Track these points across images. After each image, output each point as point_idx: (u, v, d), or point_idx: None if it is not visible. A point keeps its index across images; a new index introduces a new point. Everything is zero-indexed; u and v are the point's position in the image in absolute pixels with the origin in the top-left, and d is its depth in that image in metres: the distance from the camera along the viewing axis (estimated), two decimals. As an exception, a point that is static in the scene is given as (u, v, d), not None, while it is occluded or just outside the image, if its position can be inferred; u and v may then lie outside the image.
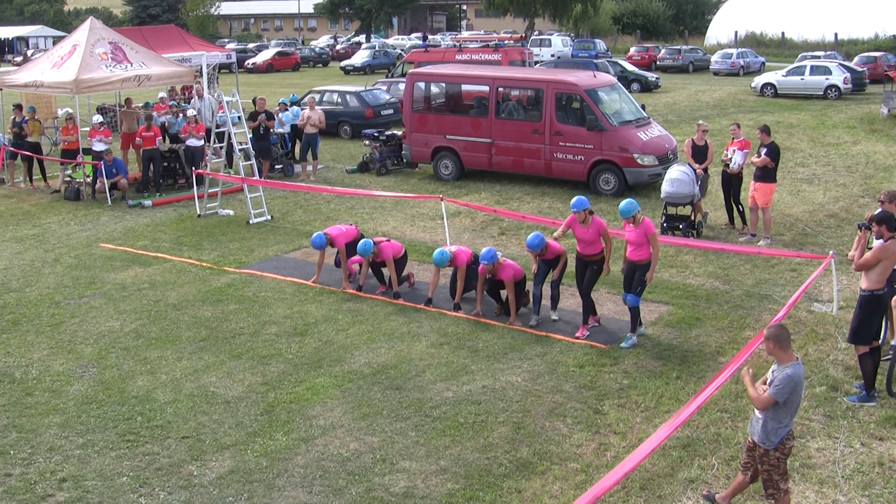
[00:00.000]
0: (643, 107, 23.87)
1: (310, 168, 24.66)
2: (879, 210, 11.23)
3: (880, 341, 11.75)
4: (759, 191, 16.88)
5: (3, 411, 10.81)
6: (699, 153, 18.29)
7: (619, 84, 24.42)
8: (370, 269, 15.03)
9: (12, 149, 23.88)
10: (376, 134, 25.59)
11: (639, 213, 12.36)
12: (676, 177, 17.34)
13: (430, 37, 53.42)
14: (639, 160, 20.96)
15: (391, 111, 32.46)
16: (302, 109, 25.61)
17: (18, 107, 24.47)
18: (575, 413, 10.54)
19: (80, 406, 10.89)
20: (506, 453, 9.65)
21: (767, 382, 7.72)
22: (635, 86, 46.05)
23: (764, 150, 16.71)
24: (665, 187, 17.53)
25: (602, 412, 10.57)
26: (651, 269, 12.39)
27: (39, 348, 12.76)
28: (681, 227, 17.59)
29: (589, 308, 13.14)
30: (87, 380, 11.65)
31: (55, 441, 10.06)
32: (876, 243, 10.55)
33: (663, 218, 17.83)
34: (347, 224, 16.01)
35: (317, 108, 25.45)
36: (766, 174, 16.81)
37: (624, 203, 12.44)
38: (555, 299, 13.61)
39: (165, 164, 23.61)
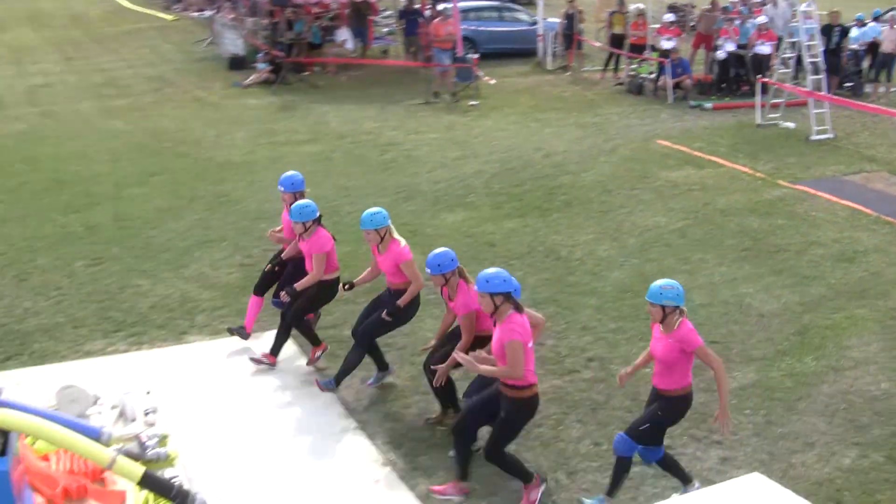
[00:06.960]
0: None
1: (882, 89, 22.78)
2: None
3: None
4: None
5: (546, 284, 11.44)
6: None
7: None
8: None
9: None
10: None
11: (675, 310, 6.92)
12: None
13: None
14: None
15: None
16: (882, 26, 23.52)
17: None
18: None
19: (617, 293, 11.21)
20: None
21: None
22: None
23: None
24: None
25: None
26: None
27: (586, 231, 13.29)
28: None
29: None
30: (626, 269, 11.94)
31: (589, 321, 10.46)
32: None
33: None
34: None
35: (902, 25, 23.25)
36: None
37: (656, 286, 7.05)
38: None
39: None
